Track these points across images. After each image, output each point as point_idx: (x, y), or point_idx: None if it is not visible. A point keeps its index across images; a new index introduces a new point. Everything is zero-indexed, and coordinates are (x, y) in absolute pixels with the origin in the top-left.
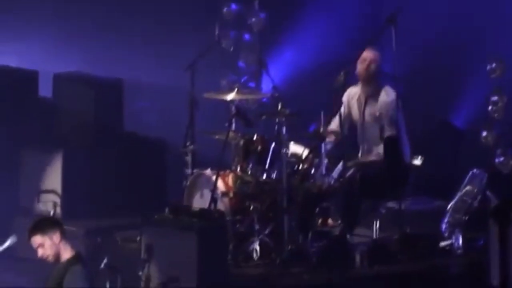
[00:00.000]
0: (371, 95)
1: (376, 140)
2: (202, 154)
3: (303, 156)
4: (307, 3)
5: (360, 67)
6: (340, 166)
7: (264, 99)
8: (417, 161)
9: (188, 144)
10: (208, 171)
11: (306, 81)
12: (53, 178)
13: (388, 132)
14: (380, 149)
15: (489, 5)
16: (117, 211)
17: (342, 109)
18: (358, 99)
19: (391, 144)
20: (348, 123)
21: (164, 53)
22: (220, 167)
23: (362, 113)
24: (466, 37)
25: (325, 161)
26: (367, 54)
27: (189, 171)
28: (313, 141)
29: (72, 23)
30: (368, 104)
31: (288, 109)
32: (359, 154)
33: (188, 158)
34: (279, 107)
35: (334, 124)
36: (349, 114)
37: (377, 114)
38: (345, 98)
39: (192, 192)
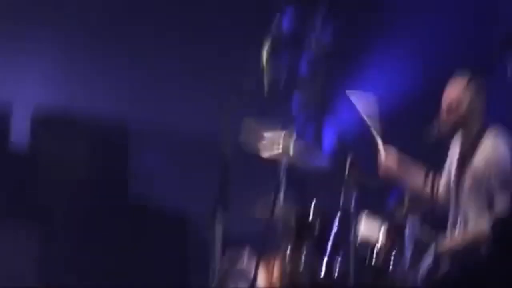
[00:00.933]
0: (468, 146)
1: (476, 217)
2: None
3: (380, 240)
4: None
5: (445, 111)
6: (431, 253)
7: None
8: None
9: (217, 215)
10: (244, 263)
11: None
12: (27, 266)
13: (501, 204)
14: (481, 227)
15: None
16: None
17: (446, 169)
18: (458, 155)
19: (507, 226)
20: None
21: (188, 85)
22: (263, 252)
23: (457, 173)
24: None
25: (411, 247)
26: (453, 90)
27: (217, 251)
28: (395, 218)
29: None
30: (467, 159)
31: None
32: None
33: (216, 234)
34: (348, 167)
35: (439, 187)
36: (449, 173)
37: (478, 175)
38: (450, 152)
39: (225, 279)
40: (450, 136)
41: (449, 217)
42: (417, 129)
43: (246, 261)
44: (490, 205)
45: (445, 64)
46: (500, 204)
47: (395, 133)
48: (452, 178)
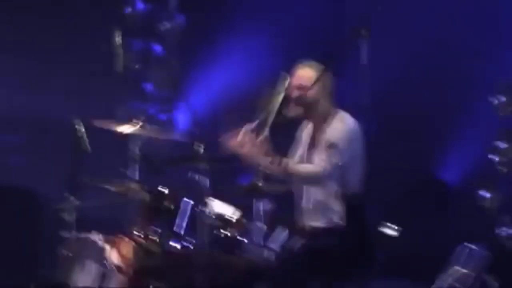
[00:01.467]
0: (318, 127)
1: (327, 197)
2: (88, 211)
3: (232, 219)
4: (242, 2)
5: (295, 93)
6: (282, 234)
7: (180, 138)
8: (391, 231)
9: (68, 196)
10: (95, 236)
11: (239, 112)
12: None
13: (351, 186)
14: (332, 211)
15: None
16: None
17: (295, 152)
18: (310, 136)
19: (354, 206)
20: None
21: (38, 71)
22: (114, 231)
23: (307, 154)
24: (463, 61)
25: (262, 226)
26: (302, 73)
27: (68, 234)
28: (246, 199)
29: None
30: (317, 140)
31: (212, 152)
32: (302, 218)
33: (68, 217)
34: (200, 149)
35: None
36: (300, 156)
37: (327, 146)
38: (299, 136)
39: (72, 264)
40: (300, 117)
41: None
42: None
43: (98, 238)
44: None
45: (298, 50)
46: (320, 161)
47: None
48: (305, 155)
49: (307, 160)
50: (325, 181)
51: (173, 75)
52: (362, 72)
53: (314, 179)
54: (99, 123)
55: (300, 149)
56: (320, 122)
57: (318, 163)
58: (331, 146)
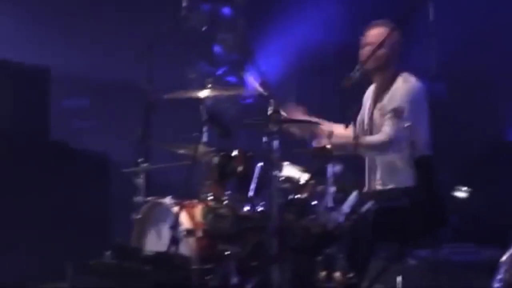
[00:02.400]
0: (382, 88)
1: (397, 159)
2: (159, 176)
3: (302, 182)
4: None
5: (364, 52)
6: (353, 196)
7: (249, 100)
8: (462, 194)
9: (140, 161)
10: (167, 200)
11: (309, 77)
12: None
13: (420, 148)
14: (402, 173)
15: None
16: (39, 254)
17: (359, 117)
18: (372, 98)
19: (425, 168)
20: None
21: (105, 33)
22: (185, 195)
23: (370, 117)
24: None
25: (332, 189)
26: (373, 32)
27: (141, 199)
28: (316, 162)
29: None
30: (379, 103)
31: (282, 115)
32: (372, 180)
33: (140, 181)
34: (270, 111)
35: (347, 134)
36: (363, 122)
37: (384, 111)
38: (365, 99)
39: (145, 229)
40: (369, 79)
41: (366, 162)
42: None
43: (170, 202)
44: (410, 153)
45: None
46: (385, 128)
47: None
48: (366, 121)
49: (369, 125)
50: (393, 148)
51: (242, 37)
52: (429, 32)
53: (381, 148)
54: (172, 94)
55: (363, 114)
56: (384, 83)
57: (384, 130)
58: (396, 109)
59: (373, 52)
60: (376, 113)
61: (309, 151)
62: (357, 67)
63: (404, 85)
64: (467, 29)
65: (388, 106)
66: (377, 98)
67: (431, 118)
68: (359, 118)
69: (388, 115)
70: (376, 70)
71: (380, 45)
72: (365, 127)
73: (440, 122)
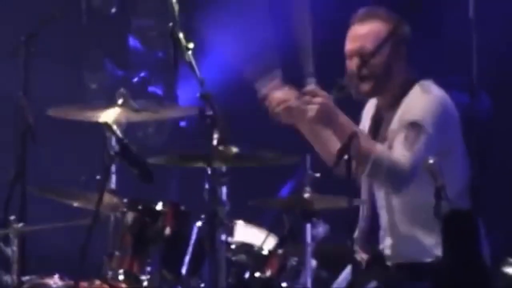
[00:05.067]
0: (388, 105)
1: (415, 215)
2: (42, 242)
3: (265, 252)
4: None
5: (351, 64)
6: (346, 274)
7: (183, 123)
8: None
9: (12, 219)
10: (54, 280)
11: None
12: None
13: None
14: (423, 237)
15: None
16: None
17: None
18: (372, 118)
19: (459, 228)
20: None
21: None
22: (82, 272)
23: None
24: None
25: (313, 263)
26: (362, 30)
27: (11, 278)
28: (287, 219)
29: None
30: (386, 122)
31: (235, 145)
32: (382, 243)
33: (11, 251)
34: (216, 140)
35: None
36: None
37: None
38: (363, 119)
39: None
40: (368, 96)
41: (360, 211)
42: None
43: (56, 285)
44: (436, 194)
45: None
46: (400, 152)
47: None
48: None
49: None
50: (408, 181)
51: (173, 25)
52: (465, 27)
53: (393, 174)
54: (57, 113)
55: None
56: (391, 98)
57: (398, 152)
58: (413, 125)
59: (362, 64)
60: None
61: (278, 202)
62: (347, 78)
63: (423, 97)
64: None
65: (403, 123)
66: (381, 120)
67: (471, 149)
68: None
69: (403, 133)
70: (374, 86)
71: (374, 51)
72: None
73: (485, 155)
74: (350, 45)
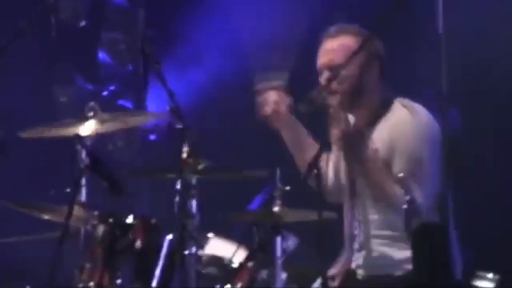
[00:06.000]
0: (366, 123)
1: (394, 231)
2: (10, 256)
3: (235, 265)
4: None
5: (324, 75)
6: (317, 285)
7: (152, 135)
8: (487, 284)
9: None
10: None
11: (241, 101)
12: None
13: (421, 212)
14: (399, 251)
15: None
16: None
17: (331, 158)
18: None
19: (431, 242)
20: (336, 186)
21: None
22: (50, 285)
23: (349, 169)
24: None
25: (283, 276)
26: (332, 44)
27: None
28: (257, 232)
29: None
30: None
31: (205, 158)
32: (350, 262)
33: None
34: (186, 153)
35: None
36: (337, 167)
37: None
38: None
39: None
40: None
41: (344, 232)
42: None
43: None
44: (407, 209)
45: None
46: (414, 201)
47: None
48: (343, 174)
49: (350, 183)
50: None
51: (141, 38)
52: (435, 40)
53: (414, 212)
54: (29, 134)
55: (333, 158)
56: (368, 116)
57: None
58: (415, 160)
59: (333, 77)
60: None
61: (247, 215)
62: (316, 91)
63: (412, 119)
64: (482, 37)
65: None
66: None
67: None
68: (332, 165)
69: (407, 169)
70: (346, 101)
71: (345, 65)
72: (343, 180)
73: (455, 169)
74: (320, 60)
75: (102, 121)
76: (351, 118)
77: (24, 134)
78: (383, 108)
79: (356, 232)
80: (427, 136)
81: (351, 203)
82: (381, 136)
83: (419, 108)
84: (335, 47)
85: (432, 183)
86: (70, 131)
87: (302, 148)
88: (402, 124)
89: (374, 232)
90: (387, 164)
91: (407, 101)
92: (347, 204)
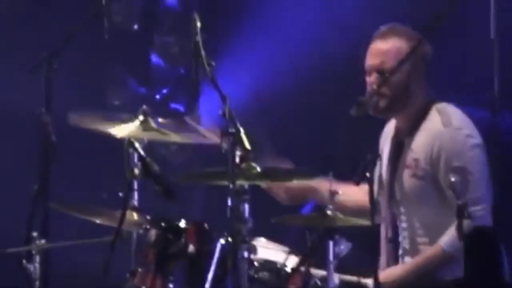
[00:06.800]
0: (407, 128)
1: (427, 233)
2: (64, 259)
3: (288, 269)
4: None
5: (370, 80)
6: None
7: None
8: None
9: (34, 236)
10: None
11: (296, 105)
12: None
13: (469, 215)
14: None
15: None
16: None
17: (378, 167)
18: (392, 141)
19: (483, 247)
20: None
21: None
22: None
23: (391, 172)
24: None
25: (336, 280)
26: (382, 46)
27: None
28: (310, 237)
29: None
30: (405, 149)
31: (258, 164)
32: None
33: (33, 268)
34: (238, 157)
35: (359, 196)
36: (380, 177)
37: (418, 170)
38: (382, 142)
39: None
40: (384, 114)
41: (381, 238)
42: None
43: None
44: (458, 212)
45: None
46: (462, 210)
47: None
48: (385, 177)
49: (389, 185)
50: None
51: (194, 42)
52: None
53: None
54: (76, 120)
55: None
56: (410, 121)
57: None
58: (458, 171)
59: (383, 82)
60: (405, 172)
61: (300, 219)
62: (368, 95)
63: (444, 129)
64: None
65: (433, 164)
66: (401, 144)
67: (493, 168)
68: (377, 170)
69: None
70: (390, 109)
71: (393, 69)
72: (384, 185)
73: (506, 174)
74: (370, 61)
75: (152, 130)
76: (392, 123)
77: (72, 120)
78: (421, 112)
79: (399, 238)
80: (459, 147)
81: (390, 210)
82: (420, 147)
83: (453, 114)
84: (386, 49)
85: (480, 188)
86: (120, 130)
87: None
88: (436, 136)
89: (420, 239)
90: (429, 174)
91: (443, 107)
92: (386, 210)
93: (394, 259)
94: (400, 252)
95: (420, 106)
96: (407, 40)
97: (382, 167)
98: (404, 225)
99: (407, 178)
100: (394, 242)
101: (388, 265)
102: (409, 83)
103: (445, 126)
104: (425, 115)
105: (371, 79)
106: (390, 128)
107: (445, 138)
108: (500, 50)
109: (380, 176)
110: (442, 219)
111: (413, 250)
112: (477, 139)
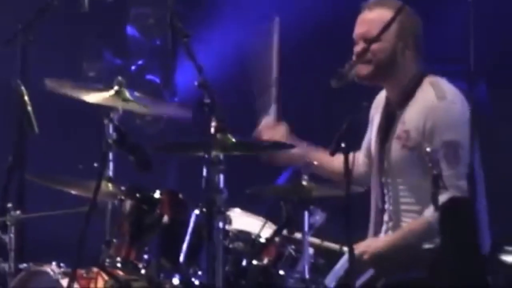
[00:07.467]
0: (398, 99)
1: (415, 202)
2: (39, 230)
3: (262, 240)
4: None
5: (358, 46)
6: (343, 262)
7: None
8: None
9: (9, 207)
10: (52, 268)
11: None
12: None
13: (448, 188)
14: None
15: None
16: None
17: (366, 139)
18: (383, 111)
19: (457, 216)
20: (366, 163)
21: None
22: (79, 260)
23: (379, 142)
24: None
25: (310, 251)
26: (368, 16)
27: (9, 266)
28: (285, 207)
29: None
30: (396, 121)
31: (232, 134)
32: (375, 233)
33: (9, 238)
34: (214, 128)
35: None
36: (369, 148)
37: (409, 142)
38: (372, 112)
39: None
40: (369, 81)
41: (371, 206)
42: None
43: (55, 271)
44: (434, 182)
45: None
46: (448, 180)
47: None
48: (374, 147)
49: (378, 156)
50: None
51: (170, 12)
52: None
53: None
54: (53, 85)
55: (369, 136)
56: (400, 92)
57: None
58: (449, 144)
59: (366, 48)
60: (395, 143)
61: (275, 190)
62: (348, 65)
63: (438, 103)
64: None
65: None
66: (392, 115)
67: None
68: (365, 140)
69: (442, 153)
70: (378, 74)
71: (378, 36)
72: (373, 156)
73: (483, 148)
74: (357, 30)
75: (127, 101)
76: (384, 93)
77: (50, 84)
78: (413, 85)
79: (385, 206)
80: (454, 121)
81: (379, 179)
82: (412, 119)
83: (447, 89)
84: (372, 18)
85: (466, 164)
86: (98, 102)
87: (325, 166)
88: (430, 109)
89: (403, 207)
90: (419, 145)
91: (436, 80)
92: (375, 179)
93: (381, 228)
94: (386, 219)
95: (411, 78)
96: (393, 10)
97: (372, 139)
98: (391, 193)
99: (397, 148)
100: (382, 211)
101: (376, 234)
102: (395, 52)
103: (439, 100)
104: (416, 88)
105: (357, 48)
106: (381, 97)
107: (439, 111)
108: (477, 20)
109: (369, 148)
110: (429, 190)
111: (398, 220)
112: (468, 113)
